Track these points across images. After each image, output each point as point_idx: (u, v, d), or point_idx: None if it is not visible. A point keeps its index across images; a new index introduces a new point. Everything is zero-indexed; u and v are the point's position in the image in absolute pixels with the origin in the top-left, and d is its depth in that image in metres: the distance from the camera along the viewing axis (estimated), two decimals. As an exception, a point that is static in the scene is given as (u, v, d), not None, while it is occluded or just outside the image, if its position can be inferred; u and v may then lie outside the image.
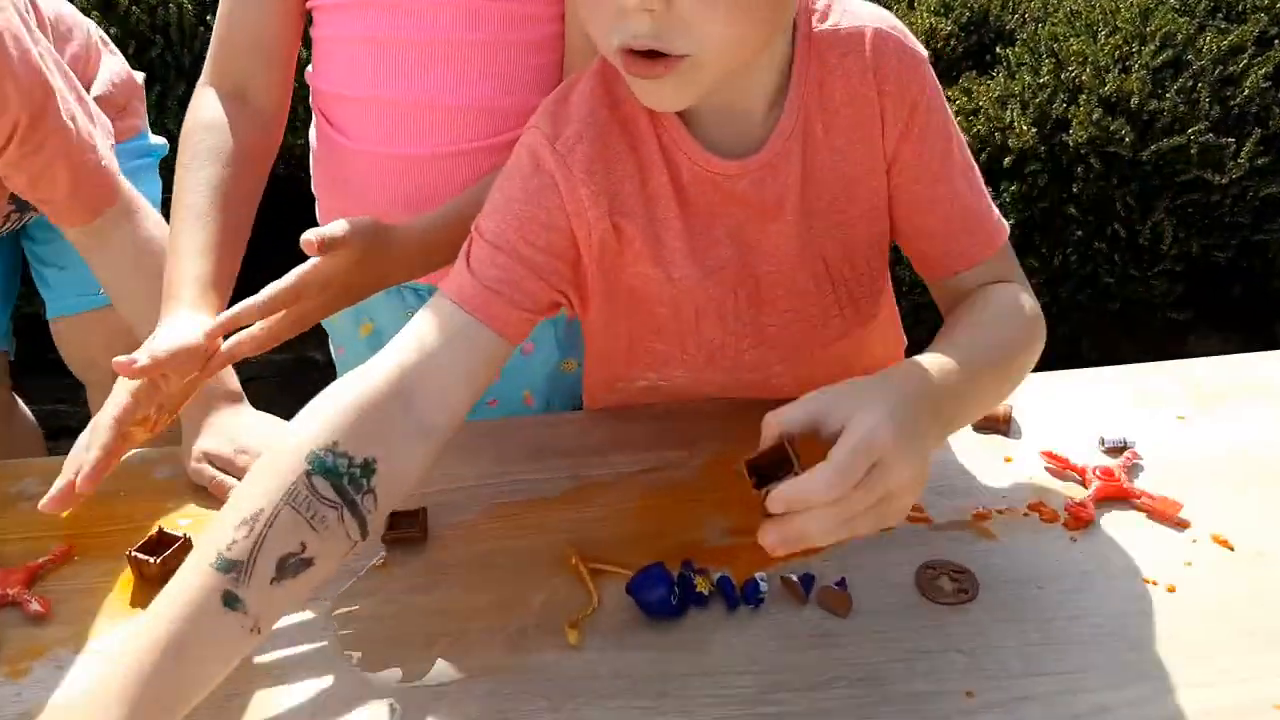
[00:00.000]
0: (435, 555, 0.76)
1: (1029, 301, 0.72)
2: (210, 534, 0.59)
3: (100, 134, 0.98)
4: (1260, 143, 1.52)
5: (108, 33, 1.70)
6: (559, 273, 0.71)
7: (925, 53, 0.73)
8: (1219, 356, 0.96)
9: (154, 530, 0.75)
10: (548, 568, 0.73)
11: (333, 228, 0.70)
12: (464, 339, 0.67)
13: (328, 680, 0.65)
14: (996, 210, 0.76)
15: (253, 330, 0.73)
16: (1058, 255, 1.53)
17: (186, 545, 0.73)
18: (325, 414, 0.62)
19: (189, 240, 0.79)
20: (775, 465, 0.57)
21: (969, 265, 0.73)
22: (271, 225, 1.01)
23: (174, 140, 0.91)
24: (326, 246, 0.69)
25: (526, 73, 0.87)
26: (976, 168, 0.76)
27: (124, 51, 1.73)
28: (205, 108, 0.86)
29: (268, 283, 0.72)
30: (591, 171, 0.69)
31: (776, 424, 0.58)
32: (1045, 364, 0.75)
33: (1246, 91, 1.55)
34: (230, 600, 0.56)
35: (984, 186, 0.76)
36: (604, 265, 0.74)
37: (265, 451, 0.63)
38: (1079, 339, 1.72)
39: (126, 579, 0.75)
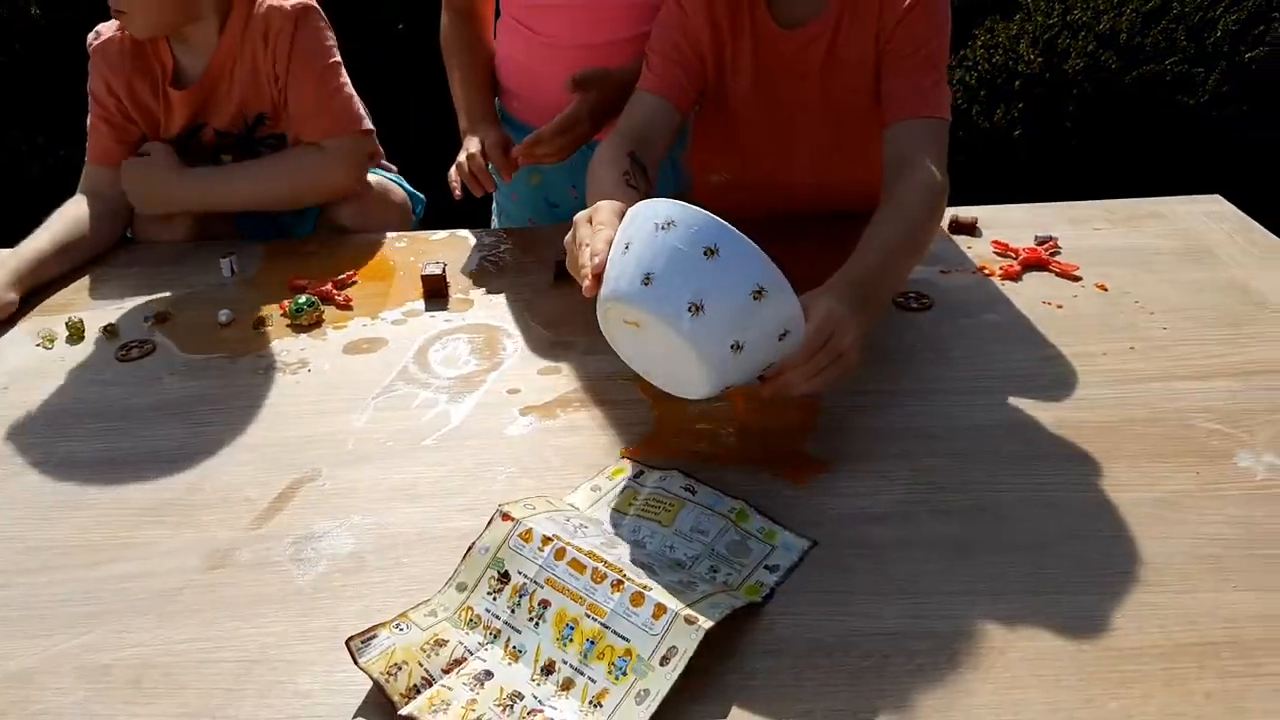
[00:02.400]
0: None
1: (933, 183, 0.98)
2: (603, 176, 1.00)
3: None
4: (1226, 72, 1.86)
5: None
6: (698, 69, 1.15)
7: None
8: (1135, 198, 1.34)
9: (424, 264, 1.18)
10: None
11: (582, 73, 1.17)
12: (656, 108, 1.12)
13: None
14: (944, 101, 1.06)
15: (550, 149, 1.18)
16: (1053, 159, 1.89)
17: (444, 269, 1.17)
18: (618, 142, 1.06)
19: (473, 91, 1.34)
20: None
21: (902, 116, 1.05)
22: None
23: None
24: (579, 85, 1.16)
25: None
26: (944, 72, 1.10)
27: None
28: (451, 25, 1.38)
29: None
30: (706, 10, 1.12)
31: None
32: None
33: (1220, 33, 1.89)
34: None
35: (945, 85, 1.08)
36: (715, 68, 1.16)
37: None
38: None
39: (393, 290, 1.19)
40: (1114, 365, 0.97)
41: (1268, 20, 1.89)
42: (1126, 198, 1.34)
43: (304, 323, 1.11)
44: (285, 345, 1.08)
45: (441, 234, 1.34)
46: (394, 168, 1.60)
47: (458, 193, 1.26)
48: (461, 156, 1.27)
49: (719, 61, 1.16)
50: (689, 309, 0.71)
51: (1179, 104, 1.84)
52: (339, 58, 1.37)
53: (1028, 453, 0.85)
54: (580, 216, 0.86)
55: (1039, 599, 0.71)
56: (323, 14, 1.35)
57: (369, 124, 1.38)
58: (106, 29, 1.32)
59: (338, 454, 0.90)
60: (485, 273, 1.22)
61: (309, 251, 1.30)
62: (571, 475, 0.85)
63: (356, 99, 1.37)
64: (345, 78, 1.37)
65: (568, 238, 0.87)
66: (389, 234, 1.34)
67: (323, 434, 0.93)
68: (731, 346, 0.73)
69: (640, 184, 1.01)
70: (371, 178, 1.41)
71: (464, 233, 1.33)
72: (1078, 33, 1.93)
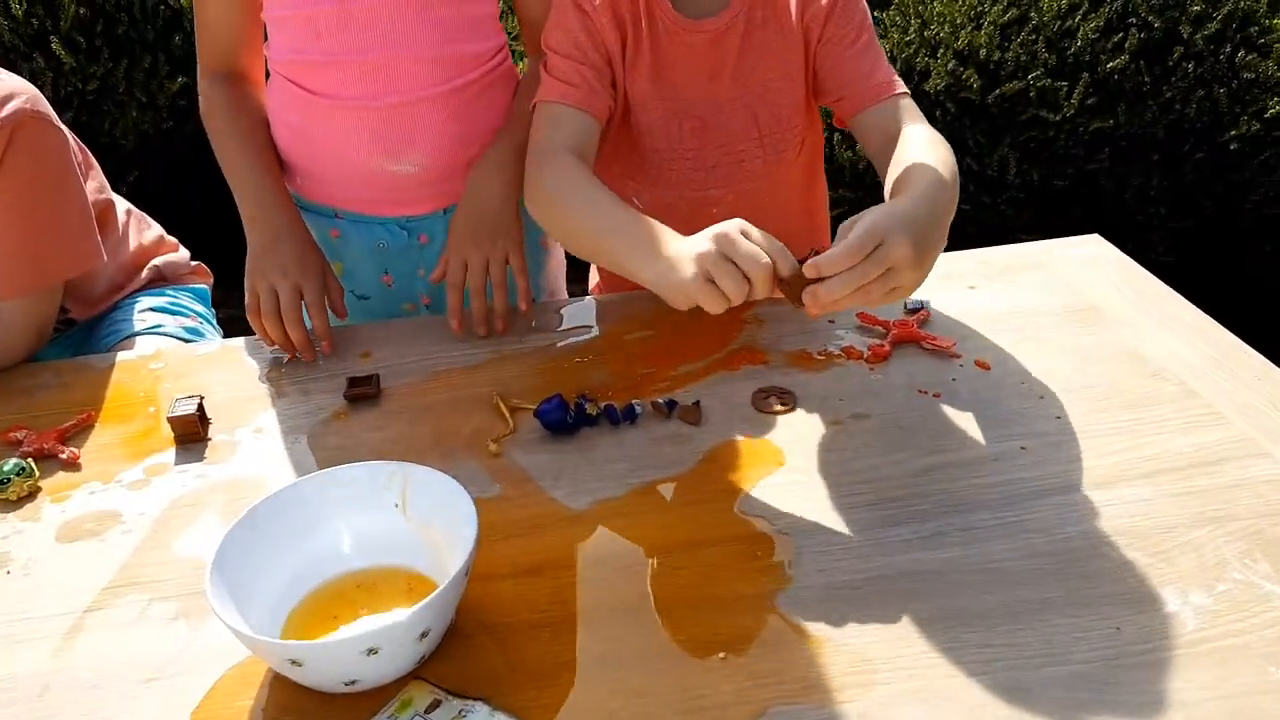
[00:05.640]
0: (386, 406, 0.97)
1: (939, 136, 0.96)
2: (603, 191, 0.91)
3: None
4: (1089, 85, 1.77)
5: (78, 14, 1.88)
6: (608, 72, 1.03)
7: None
8: (1009, 245, 1.20)
9: (173, 401, 0.94)
10: (475, 407, 0.95)
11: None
12: (574, 123, 1.00)
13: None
14: (897, 78, 1.03)
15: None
16: (921, 188, 1.76)
17: (201, 405, 0.93)
18: (577, 160, 0.96)
19: (264, 177, 1.09)
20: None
21: (881, 97, 1.00)
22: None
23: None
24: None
25: (470, 22, 1.08)
26: (881, 50, 1.05)
27: (93, 29, 1.91)
28: (216, 95, 1.12)
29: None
30: (607, 7, 1.01)
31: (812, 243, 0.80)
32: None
33: (1080, 42, 1.80)
34: None
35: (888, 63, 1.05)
36: (620, 69, 1.05)
37: None
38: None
39: (139, 434, 0.95)
40: (1004, 475, 0.81)
41: (1126, 27, 1.82)
42: (993, 224, 1.21)
43: (13, 497, 0.87)
44: (-16, 531, 0.84)
45: (213, 346, 1.11)
46: (204, 274, 1.36)
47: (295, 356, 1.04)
48: (265, 300, 1.01)
49: (622, 60, 1.03)
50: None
51: (1044, 121, 1.75)
52: (67, 174, 1.09)
53: (891, 610, 0.68)
54: (724, 232, 0.75)
55: None
56: (51, 119, 1.07)
57: (98, 253, 1.12)
58: None
59: (23, 710, 0.67)
60: (261, 398, 1.00)
61: (38, 384, 1.05)
62: (353, 713, 0.65)
63: (75, 231, 1.09)
64: (64, 206, 1.08)
65: (707, 257, 0.75)
66: (142, 352, 1.10)
67: (7, 677, 0.69)
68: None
69: None
70: None
71: (240, 342, 1.10)
72: (936, 50, 1.81)
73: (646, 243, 0.82)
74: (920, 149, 0.91)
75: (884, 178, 0.96)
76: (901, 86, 1.02)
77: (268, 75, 1.15)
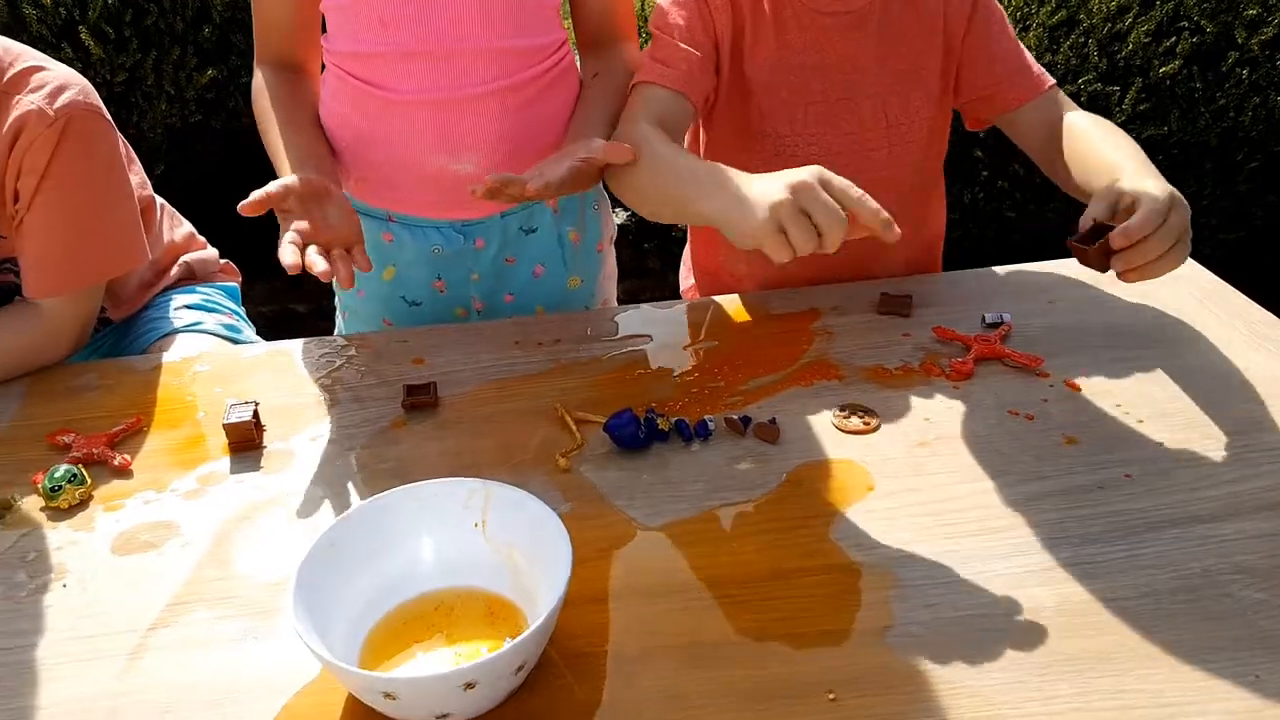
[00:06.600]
0: (445, 416, 0.92)
1: (1098, 116, 1.00)
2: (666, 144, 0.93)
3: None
4: (1142, 90, 1.73)
5: (106, 4, 1.84)
6: (714, 57, 1.03)
7: None
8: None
9: (227, 407, 0.89)
10: (538, 419, 0.91)
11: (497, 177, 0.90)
12: (664, 101, 1.00)
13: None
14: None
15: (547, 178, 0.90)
16: (967, 194, 1.73)
17: (256, 411, 0.89)
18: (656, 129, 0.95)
19: (303, 138, 1.02)
20: (1092, 234, 0.82)
21: (1041, 90, 1.03)
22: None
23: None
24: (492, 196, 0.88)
25: (534, 15, 1.04)
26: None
27: (121, 20, 1.86)
28: (268, 81, 1.07)
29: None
30: None
31: (1090, 216, 0.82)
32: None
33: (1131, 46, 1.76)
34: None
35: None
36: (731, 54, 1.04)
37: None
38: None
39: (190, 440, 0.91)
40: (1113, 506, 0.77)
41: (1177, 31, 1.77)
42: (1041, 232, 1.18)
43: (64, 505, 0.83)
44: (35, 543, 0.79)
45: (260, 349, 1.07)
46: (233, 272, 1.31)
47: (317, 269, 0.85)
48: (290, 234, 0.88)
49: (736, 46, 1.03)
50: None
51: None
52: (118, 169, 1.04)
53: (1012, 651, 0.64)
54: (803, 182, 0.72)
55: None
56: (103, 114, 1.02)
57: (144, 251, 1.07)
58: None
59: (86, 739, 0.63)
60: (314, 404, 0.95)
61: (82, 385, 1.00)
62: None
63: (123, 227, 1.05)
64: (113, 201, 1.04)
65: (783, 207, 0.72)
66: (184, 353, 1.05)
67: (66, 704, 0.65)
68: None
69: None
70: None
71: (289, 345, 1.05)
72: (985, 52, 1.76)
73: (719, 182, 0.80)
74: (1107, 132, 0.96)
75: (1050, 167, 1.01)
76: (1052, 79, 1.05)
77: (323, 70, 1.11)
